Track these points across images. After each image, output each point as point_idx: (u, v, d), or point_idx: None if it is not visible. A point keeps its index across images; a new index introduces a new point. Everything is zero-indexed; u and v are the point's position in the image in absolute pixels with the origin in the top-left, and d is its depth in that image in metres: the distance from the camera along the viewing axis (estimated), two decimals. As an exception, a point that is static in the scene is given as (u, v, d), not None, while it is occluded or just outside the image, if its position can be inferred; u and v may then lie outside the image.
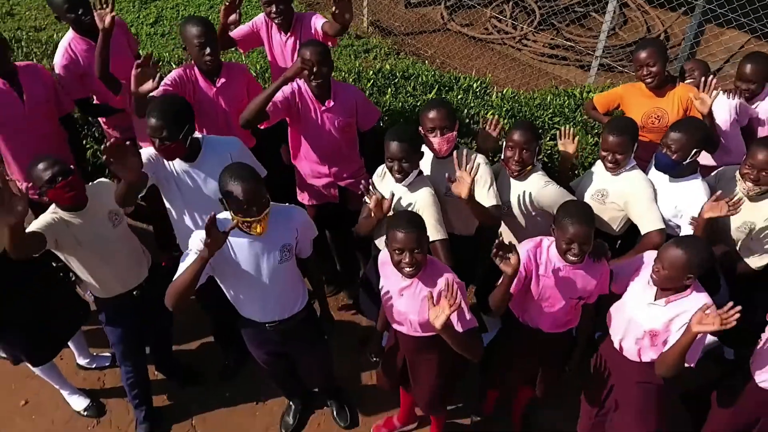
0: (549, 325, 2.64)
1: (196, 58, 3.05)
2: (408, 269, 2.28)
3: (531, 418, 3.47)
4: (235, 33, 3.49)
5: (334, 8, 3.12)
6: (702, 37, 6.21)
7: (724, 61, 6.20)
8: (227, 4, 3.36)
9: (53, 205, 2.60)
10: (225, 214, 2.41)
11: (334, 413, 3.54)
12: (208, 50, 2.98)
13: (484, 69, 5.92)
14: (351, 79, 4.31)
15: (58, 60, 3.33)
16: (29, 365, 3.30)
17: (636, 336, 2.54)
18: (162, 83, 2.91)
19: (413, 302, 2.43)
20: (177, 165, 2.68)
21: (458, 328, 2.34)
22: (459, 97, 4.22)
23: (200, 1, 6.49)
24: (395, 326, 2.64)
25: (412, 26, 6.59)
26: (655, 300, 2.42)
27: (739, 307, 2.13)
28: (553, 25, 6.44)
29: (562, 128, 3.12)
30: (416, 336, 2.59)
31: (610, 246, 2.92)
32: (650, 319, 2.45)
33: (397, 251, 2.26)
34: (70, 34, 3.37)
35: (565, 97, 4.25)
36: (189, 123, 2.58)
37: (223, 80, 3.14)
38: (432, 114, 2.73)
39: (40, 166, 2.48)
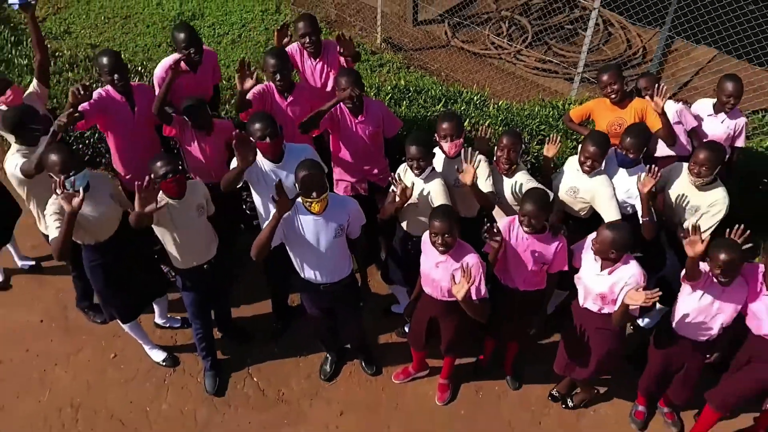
0: (522, 284, 3.55)
1: (271, 80, 3.95)
2: (441, 248, 3.18)
3: (518, 367, 4.38)
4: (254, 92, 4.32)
5: (341, 49, 4.05)
6: (675, 53, 7.11)
7: (693, 74, 7.09)
8: (279, 29, 4.25)
9: (161, 192, 3.49)
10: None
11: (363, 364, 4.45)
12: (278, 76, 3.88)
13: (483, 81, 6.82)
14: (372, 93, 5.21)
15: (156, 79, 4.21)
16: (120, 323, 4.19)
17: (592, 298, 3.45)
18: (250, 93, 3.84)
19: (445, 273, 3.33)
20: (266, 165, 3.59)
21: (473, 296, 3.23)
22: (462, 108, 5.13)
23: (233, 21, 7.39)
24: (427, 290, 3.53)
25: (419, 42, 7.48)
26: (600, 271, 3.33)
27: (659, 291, 3.02)
28: (544, 41, 7.33)
29: (551, 135, 4.01)
30: (443, 300, 3.49)
31: (582, 227, 3.83)
32: (599, 285, 3.35)
33: (434, 234, 3.17)
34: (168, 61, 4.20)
35: (550, 108, 5.16)
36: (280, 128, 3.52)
37: (291, 98, 4.03)
38: (445, 125, 3.64)
39: (158, 163, 3.36)
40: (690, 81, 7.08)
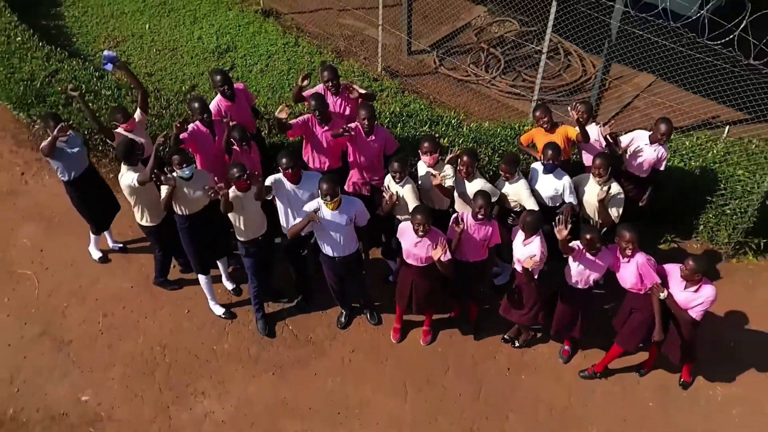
0: (472, 256, 5.29)
1: (313, 114, 5.65)
2: (421, 233, 4.92)
3: (480, 321, 6.12)
4: (306, 93, 6.02)
5: (360, 100, 5.80)
6: (621, 78, 8.83)
7: (634, 96, 8.83)
8: (304, 73, 5.97)
9: (233, 187, 5.20)
10: (314, 204, 5.05)
11: (368, 317, 6.20)
12: (317, 112, 5.60)
13: (464, 103, 8.57)
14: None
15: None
16: (198, 275, 5.91)
17: (519, 262, 5.18)
18: (295, 120, 5.60)
19: (422, 249, 5.07)
20: (288, 186, 5.31)
21: (444, 258, 4.96)
22: (442, 129, 6.88)
23: (261, 52, 9.14)
24: (409, 261, 5.26)
25: (412, 70, 9.23)
26: (523, 243, 5.06)
27: (535, 257, 4.75)
28: (515, 69, 9.07)
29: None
30: (421, 266, 5.23)
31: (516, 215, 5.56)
32: (521, 254, 5.08)
33: (416, 224, 4.90)
34: (215, 102, 5.96)
35: (509, 129, 6.90)
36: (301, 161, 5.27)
37: (326, 128, 5.74)
38: (425, 144, 5.40)
39: (234, 170, 5.10)
40: (631, 102, 8.82)
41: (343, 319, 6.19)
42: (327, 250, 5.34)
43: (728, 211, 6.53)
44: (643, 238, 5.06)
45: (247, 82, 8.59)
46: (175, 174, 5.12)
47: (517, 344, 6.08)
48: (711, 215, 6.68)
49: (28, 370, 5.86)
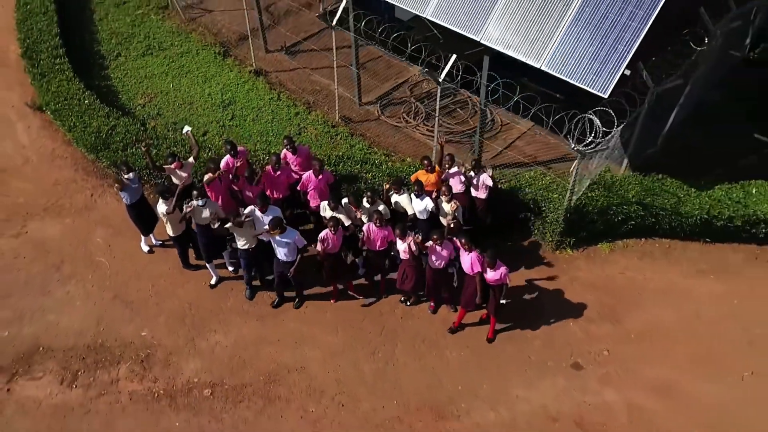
0: (379, 246, 9.20)
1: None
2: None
3: (387, 288, 10.03)
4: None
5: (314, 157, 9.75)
6: (509, 124, 12.68)
7: (516, 138, 12.69)
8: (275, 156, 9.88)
9: (230, 223, 9.11)
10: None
11: (295, 302, 10.07)
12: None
13: (395, 144, 12.44)
14: (327, 161, 10.81)
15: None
16: (207, 262, 9.87)
17: (403, 252, 9.09)
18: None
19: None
20: (258, 214, 9.21)
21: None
22: (370, 166, 10.77)
23: (253, 105, 13.04)
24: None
25: (362, 117, 13.12)
26: (402, 241, 8.98)
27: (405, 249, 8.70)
28: (435, 116, 12.93)
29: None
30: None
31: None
32: (401, 247, 8.98)
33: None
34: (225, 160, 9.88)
35: (415, 167, 10.76)
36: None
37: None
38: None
39: (234, 217, 9.01)
40: (513, 142, 12.69)
41: (297, 301, 10.06)
42: (280, 257, 9.19)
43: (549, 221, 10.40)
44: (494, 240, 8.91)
45: (242, 128, 12.50)
46: (194, 203, 8.99)
47: (408, 304, 9.96)
48: (539, 223, 10.57)
49: (108, 318, 9.78)
